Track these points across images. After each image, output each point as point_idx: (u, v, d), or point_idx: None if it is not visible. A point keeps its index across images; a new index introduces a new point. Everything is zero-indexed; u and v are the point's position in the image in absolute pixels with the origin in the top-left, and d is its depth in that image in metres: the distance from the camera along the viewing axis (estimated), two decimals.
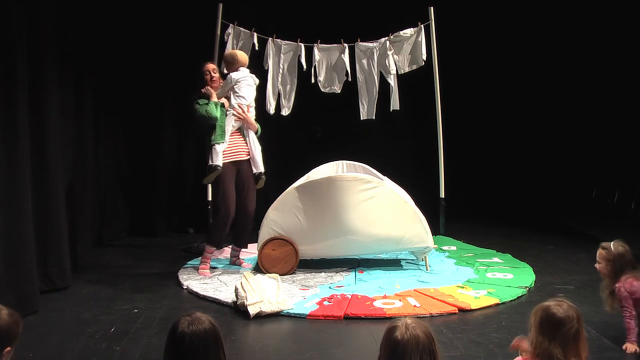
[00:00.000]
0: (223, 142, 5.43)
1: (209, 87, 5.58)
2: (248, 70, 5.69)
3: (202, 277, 5.36)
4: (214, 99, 5.49)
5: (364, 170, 6.07)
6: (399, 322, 2.17)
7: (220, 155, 5.41)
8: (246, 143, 5.62)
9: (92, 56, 6.48)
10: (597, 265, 3.79)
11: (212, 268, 5.60)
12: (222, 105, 5.53)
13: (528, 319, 2.54)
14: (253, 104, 5.71)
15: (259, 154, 5.65)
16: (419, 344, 2.10)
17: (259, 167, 5.64)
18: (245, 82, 5.59)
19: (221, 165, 5.39)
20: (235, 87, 5.54)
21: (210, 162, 5.42)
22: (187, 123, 7.11)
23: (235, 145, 5.56)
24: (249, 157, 5.62)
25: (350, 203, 5.34)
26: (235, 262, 5.84)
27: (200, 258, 5.65)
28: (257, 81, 5.80)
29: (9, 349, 2.33)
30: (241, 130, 5.62)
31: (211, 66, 5.74)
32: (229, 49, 6.76)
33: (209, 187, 6.59)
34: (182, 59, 6.93)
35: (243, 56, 5.75)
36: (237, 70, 5.60)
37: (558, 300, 2.50)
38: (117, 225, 7.28)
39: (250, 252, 6.06)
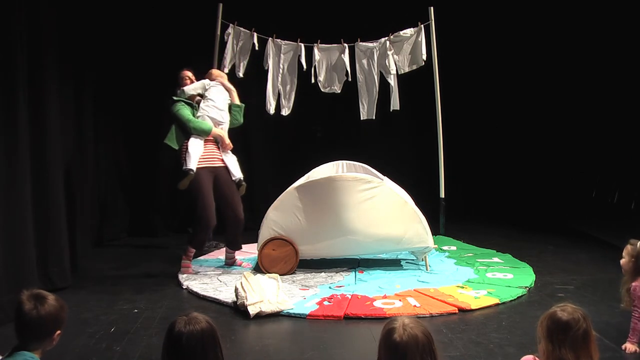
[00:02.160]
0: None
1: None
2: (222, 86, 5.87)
3: (201, 277, 5.36)
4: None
5: (364, 170, 6.07)
6: (396, 323, 2.12)
7: (194, 159, 5.39)
8: (218, 149, 5.62)
9: (92, 56, 6.48)
10: (621, 260, 3.74)
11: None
12: (193, 106, 5.66)
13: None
14: (226, 122, 5.72)
15: (233, 161, 5.66)
16: (419, 344, 2.06)
17: (237, 173, 5.63)
18: (216, 88, 5.75)
19: (194, 169, 5.37)
20: (206, 92, 5.71)
21: (184, 166, 5.42)
22: None
23: (209, 152, 5.56)
24: (224, 164, 5.62)
25: (350, 203, 5.34)
26: (232, 263, 5.83)
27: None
28: (230, 100, 5.84)
29: (59, 332, 2.46)
30: (214, 137, 5.64)
31: (189, 73, 5.86)
32: (228, 49, 6.80)
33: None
34: (183, 59, 6.91)
35: (219, 72, 6.07)
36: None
37: (561, 305, 2.45)
38: (117, 225, 7.28)
39: (250, 252, 6.07)
